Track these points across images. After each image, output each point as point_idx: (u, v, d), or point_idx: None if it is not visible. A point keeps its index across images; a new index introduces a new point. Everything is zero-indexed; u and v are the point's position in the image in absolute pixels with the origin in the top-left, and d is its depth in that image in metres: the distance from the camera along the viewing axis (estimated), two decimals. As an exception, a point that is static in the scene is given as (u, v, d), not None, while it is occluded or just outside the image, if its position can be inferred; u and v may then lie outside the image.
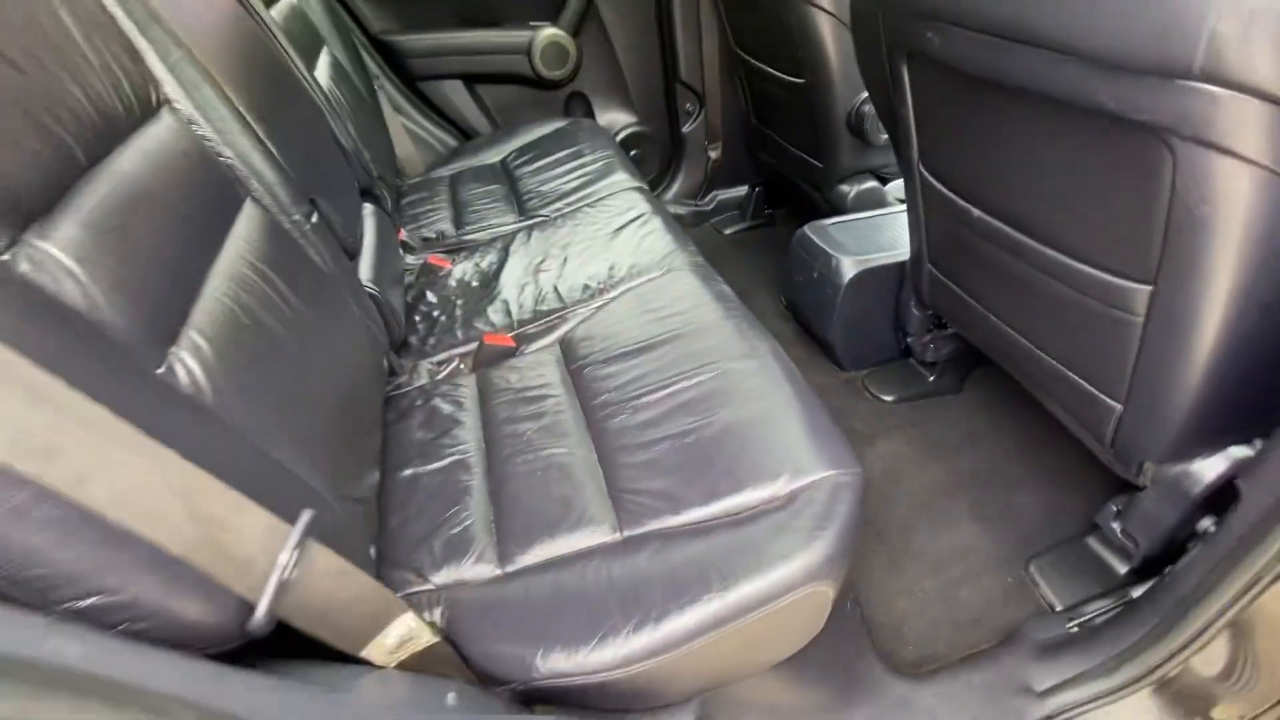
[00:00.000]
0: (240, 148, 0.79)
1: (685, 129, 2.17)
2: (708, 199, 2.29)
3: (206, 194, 0.69)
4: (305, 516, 0.48)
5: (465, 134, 2.05)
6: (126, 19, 0.68)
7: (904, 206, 1.62)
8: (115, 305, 0.48)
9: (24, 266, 0.43)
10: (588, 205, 1.47)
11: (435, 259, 1.37)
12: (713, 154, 2.21)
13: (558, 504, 0.80)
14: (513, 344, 1.10)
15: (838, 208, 1.68)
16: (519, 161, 1.76)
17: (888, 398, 1.46)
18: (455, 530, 0.79)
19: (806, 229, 1.52)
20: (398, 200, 1.65)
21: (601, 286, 1.18)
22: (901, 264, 1.38)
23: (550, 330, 1.12)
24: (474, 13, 1.91)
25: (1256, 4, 0.49)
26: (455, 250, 1.45)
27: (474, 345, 1.12)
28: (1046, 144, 0.79)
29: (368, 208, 1.28)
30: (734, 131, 2.14)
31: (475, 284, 1.28)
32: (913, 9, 0.82)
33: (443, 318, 1.21)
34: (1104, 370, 0.87)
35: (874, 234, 1.50)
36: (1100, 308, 0.81)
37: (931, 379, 1.47)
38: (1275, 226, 0.60)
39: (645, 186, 1.52)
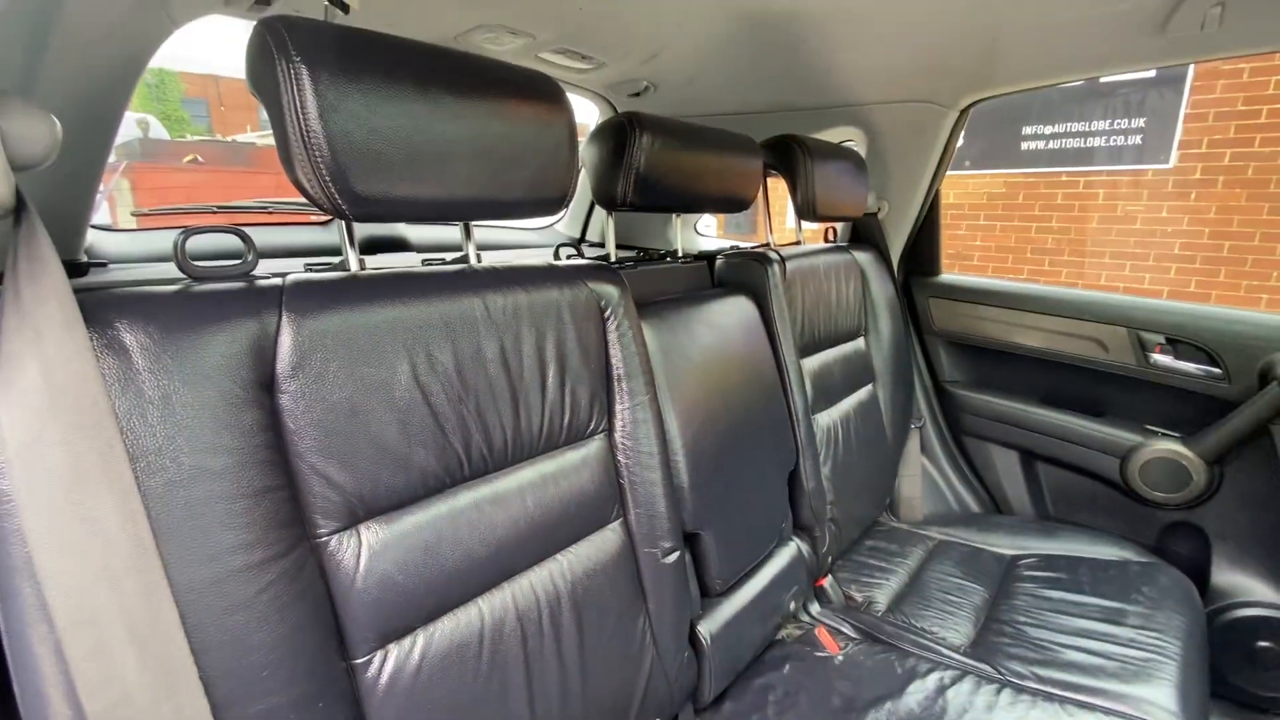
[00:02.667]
0: (647, 479, 0.88)
1: None
2: None
3: (571, 513, 0.79)
4: None
5: (996, 504, 1.74)
6: (623, 363, 0.87)
7: None
8: (367, 600, 0.59)
9: (331, 544, 0.58)
10: (1072, 702, 0.97)
11: (826, 635, 1.17)
12: None
13: None
14: (799, 822, 0.80)
15: None
16: (1032, 572, 1.35)
17: None
18: None
19: None
20: (860, 541, 1.51)
21: None
22: None
23: None
24: (1070, 396, 1.63)
25: None
26: (866, 635, 1.20)
27: (766, 776, 0.87)
28: None
29: (791, 546, 1.21)
30: None
31: (839, 695, 1.01)
32: None
33: (772, 711, 1.00)
34: None
35: None
36: None
37: None
38: None
39: None
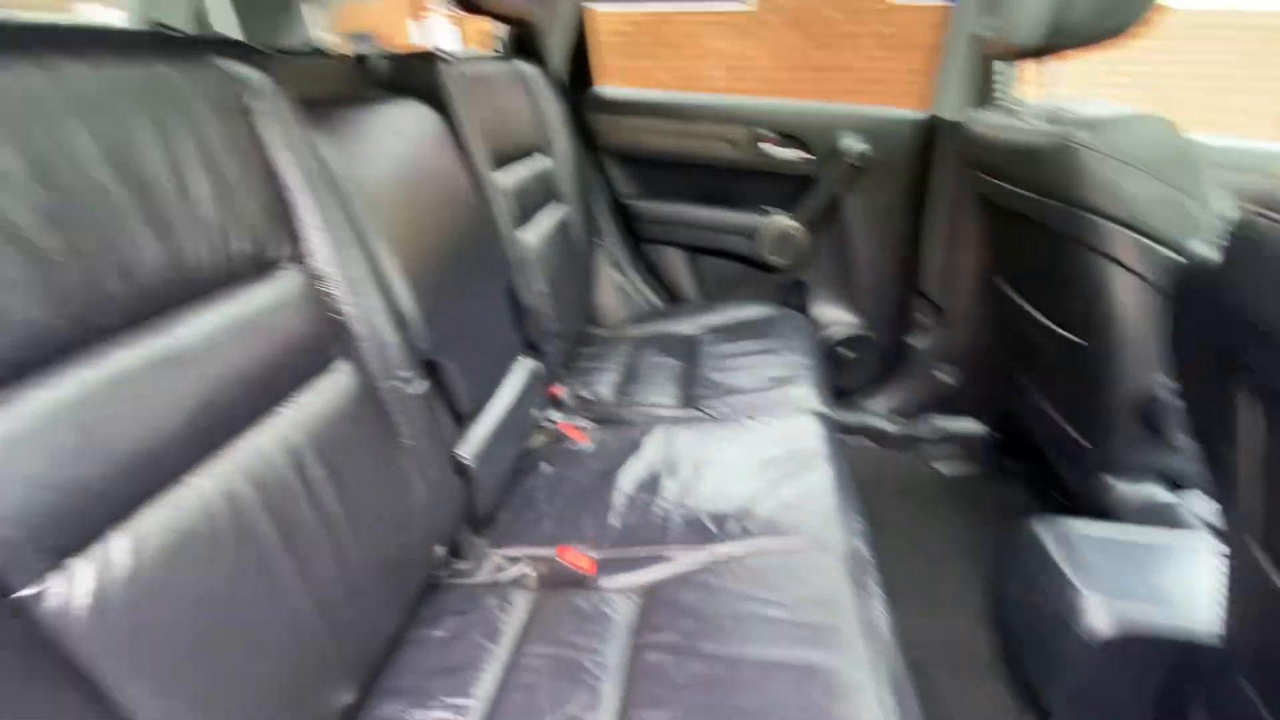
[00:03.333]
0: (366, 307, 0.76)
1: (914, 342, 1.88)
2: (923, 422, 1.92)
3: (284, 359, 0.65)
4: None
5: (674, 298, 2.04)
6: (295, 171, 0.70)
7: (1207, 531, 1.11)
8: (7, 511, 0.40)
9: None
10: (753, 415, 1.26)
11: (570, 428, 1.27)
12: (944, 378, 1.87)
13: None
14: (592, 572, 0.90)
15: (1103, 508, 1.22)
16: (710, 340, 1.65)
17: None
18: None
19: (1038, 527, 1.09)
20: (575, 350, 1.63)
21: (722, 531, 0.94)
22: (1192, 642, 0.89)
23: (638, 566, 0.91)
24: (715, 192, 1.93)
25: None
26: (603, 421, 1.34)
27: (551, 552, 0.94)
28: None
29: (525, 362, 1.24)
30: (977, 360, 1.78)
31: (594, 471, 1.13)
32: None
33: (543, 503, 1.07)
34: None
35: (1151, 566, 1.02)
36: None
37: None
38: None
39: (829, 415, 1.27)
